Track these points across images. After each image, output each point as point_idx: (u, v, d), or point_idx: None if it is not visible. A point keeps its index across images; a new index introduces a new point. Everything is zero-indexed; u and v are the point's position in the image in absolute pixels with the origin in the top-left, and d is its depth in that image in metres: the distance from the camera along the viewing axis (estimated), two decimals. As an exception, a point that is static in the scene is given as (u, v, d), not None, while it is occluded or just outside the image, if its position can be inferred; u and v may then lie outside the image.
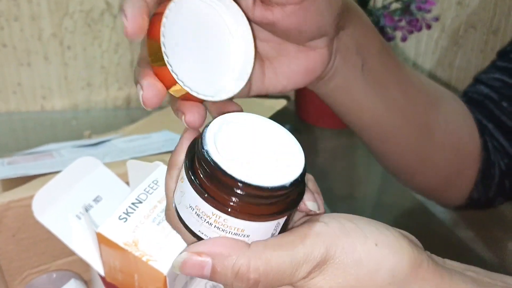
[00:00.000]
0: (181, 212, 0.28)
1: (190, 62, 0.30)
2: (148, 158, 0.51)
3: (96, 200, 0.44)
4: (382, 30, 0.81)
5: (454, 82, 1.08)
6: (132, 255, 0.36)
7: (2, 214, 0.43)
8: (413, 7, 0.79)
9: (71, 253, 0.42)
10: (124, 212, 0.38)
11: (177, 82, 0.28)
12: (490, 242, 0.68)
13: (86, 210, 0.43)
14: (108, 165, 0.47)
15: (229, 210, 0.26)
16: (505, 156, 0.54)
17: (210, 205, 0.26)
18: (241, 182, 0.25)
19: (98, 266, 0.41)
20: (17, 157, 0.58)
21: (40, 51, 0.88)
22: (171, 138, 0.62)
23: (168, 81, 0.28)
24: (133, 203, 0.38)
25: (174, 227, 0.29)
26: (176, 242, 0.36)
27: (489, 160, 0.54)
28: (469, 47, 1.05)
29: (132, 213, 0.38)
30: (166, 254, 0.36)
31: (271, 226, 0.27)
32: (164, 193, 0.39)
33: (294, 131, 0.29)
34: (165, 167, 0.40)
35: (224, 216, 0.26)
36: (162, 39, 0.27)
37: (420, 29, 0.81)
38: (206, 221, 0.26)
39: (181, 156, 0.28)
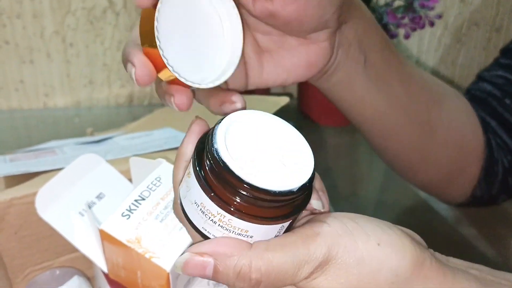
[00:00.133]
0: (186, 206, 0.28)
1: (181, 49, 0.31)
2: (151, 155, 0.51)
3: (99, 197, 0.44)
4: (385, 28, 0.81)
5: (457, 79, 1.07)
6: (135, 252, 0.36)
7: (5, 211, 0.43)
8: (416, 4, 0.79)
9: (74, 250, 0.42)
10: (127, 209, 0.38)
11: (166, 67, 0.28)
12: (493, 240, 0.68)
13: (89, 207, 0.43)
14: (111, 162, 0.47)
15: (235, 211, 0.25)
16: (508, 153, 0.54)
17: (215, 204, 0.26)
18: (249, 184, 0.24)
19: (101, 263, 0.41)
20: (19, 154, 0.58)
21: (43, 48, 0.88)
22: (174, 136, 0.62)
23: (158, 65, 0.29)
24: (136, 200, 0.38)
25: (181, 220, 0.29)
26: (179, 239, 0.36)
27: (492, 157, 0.54)
28: (472, 45, 1.05)
29: (135, 210, 0.38)
30: (169, 251, 0.36)
31: (275, 228, 0.27)
32: (166, 190, 0.39)
33: (297, 128, 0.29)
34: (168, 164, 0.40)
35: (229, 216, 0.26)
36: (156, 24, 0.28)
37: (423, 27, 0.81)
38: (210, 218, 0.26)
39: (189, 148, 0.28)
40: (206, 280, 0.41)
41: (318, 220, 0.27)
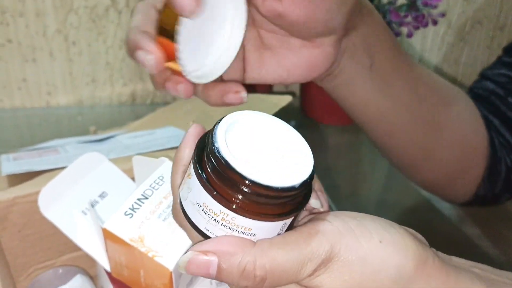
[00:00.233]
0: (187, 208, 0.28)
1: (190, 43, 0.31)
2: (153, 154, 0.51)
3: (102, 195, 0.44)
4: (388, 26, 0.81)
5: (460, 78, 1.07)
6: (138, 251, 0.36)
7: (8, 210, 0.43)
8: (419, 3, 0.79)
9: (77, 248, 0.42)
10: (130, 208, 0.38)
11: (176, 60, 0.30)
12: (496, 239, 0.68)
13: (92, 206, 0.43)
14: (114, 161, 0.47)
15: (238, 208, 0.25)
16: (511, 152, 0.54)
17: (218, 202, 0.26)
18: (251, 181, 0.24)
19: (104, 262, 0.41)
20: (22, 153, 0.58)
21: (45, 47, 0.88)
22: (176, 134, 0.62)
23: (168, 56, 0.30)
24: (138, 199, 0.38)
25: (180, 224, 0.29)
26: (181, 238, 0.36)
27: (495, 156, 0.53)
28: (475, 43, 1.05)
29: (137, 209, 0.38)
30: (171, 250, 0.36)
31: (278, 225, 0.27)
32: (169, 189, 0.39)
33: (299, 127, 0.29)
34: (170, 163, 0.40)
35: (232, 214, 0.26)
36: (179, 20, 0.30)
37: (426, 25, 0.80)
38: (213, 218, 0.26)
39: (187, 152, 0.28)
40: (209, 279, 0.41)
41: (320, 218, 0.27)
